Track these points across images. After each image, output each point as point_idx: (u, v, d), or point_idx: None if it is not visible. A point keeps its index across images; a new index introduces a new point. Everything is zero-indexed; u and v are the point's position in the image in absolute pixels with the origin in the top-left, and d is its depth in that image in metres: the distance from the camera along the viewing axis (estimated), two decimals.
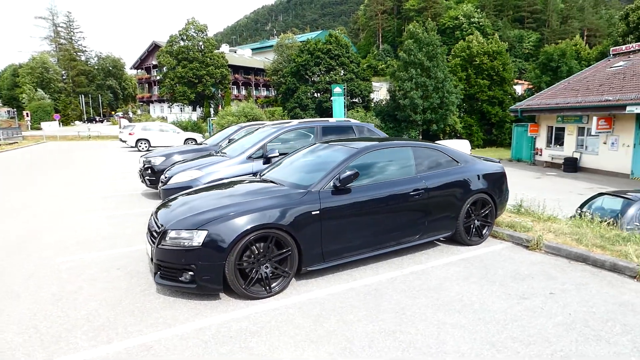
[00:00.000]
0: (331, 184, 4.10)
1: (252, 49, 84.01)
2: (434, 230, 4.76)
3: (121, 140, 27.33)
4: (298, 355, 2.84)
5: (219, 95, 57.29)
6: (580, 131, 20.57)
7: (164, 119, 60.49)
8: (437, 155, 5.01)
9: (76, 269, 4.57)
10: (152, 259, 3.83)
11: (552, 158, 22.40)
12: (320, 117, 42.88)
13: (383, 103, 45.75)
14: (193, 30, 51.43)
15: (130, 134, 24.05)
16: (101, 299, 3.80)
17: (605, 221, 6.02)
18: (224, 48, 72.86)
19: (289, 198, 3.91)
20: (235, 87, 69.43)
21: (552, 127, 22.59)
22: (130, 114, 69.44)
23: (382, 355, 2.82)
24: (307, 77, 44.98)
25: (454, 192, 4.86)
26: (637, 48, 22.41)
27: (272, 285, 3.75)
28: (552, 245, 4.78)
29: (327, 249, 4.01)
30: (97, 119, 73.97)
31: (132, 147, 23.72)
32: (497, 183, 5.34)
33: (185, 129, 34.64)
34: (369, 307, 3.52)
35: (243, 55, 78.48)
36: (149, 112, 70.38)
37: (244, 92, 72.02)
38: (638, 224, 7.04)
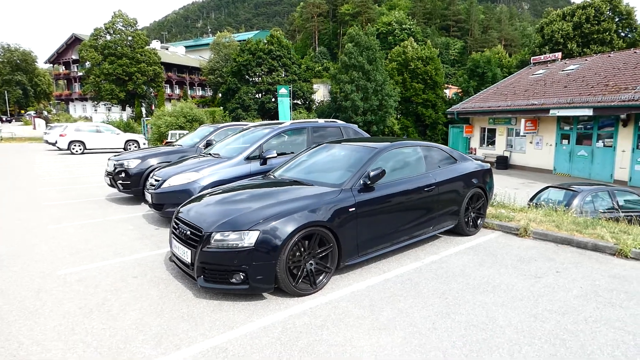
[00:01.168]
0: (361, 181, 4.30)
1: (186, 47, 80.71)
2: (443, 222, 5.17)
3: (48, 142, 24.87)
4: (375, 341, 3.02)
5: (152, 94, 54.34)
6: (510, 132, 22.78)
7: (87, 119, 55.80)
8: (440, 154, 5.44)
9: (88, 281, 4.27)
10: (190, 263, 3.74)
11: (485, 157, 24.50)
12: (263, 119, 42.64)
13: (325, 105, 46.60)
14: (121, 24, 48.14)
15: (61, 135, 21.95)
16: (138, 308, 3.64)
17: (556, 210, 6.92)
18: (155, 44, 69.12)
19: (326, 196, 4.04)
20: (168, 86, 66.22)
21: (484, 128, 24.72)
22: (46, 113, 63.10)
23: (450, 334, 3.09)
24: (248, 77, 44.36)
25: (457, 187, 5.31)
26: (553, 58, 25.36)
27: (317, 282, 3.87)
28: (539, 231, 5.43)
29: (361, 244, 4.20)
30: (4, 119, 66.04)
31: (63, 150, 21.67)
32: (486, 178, 5.91)
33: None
34: (412, 295, 3.79)
35: (176, 53, 75.10)
36: (67, 111, 64.43)
37: (178, 91, 68.95)
38: (582, 211, 8.13)
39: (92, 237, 5.84)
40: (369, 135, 8.14)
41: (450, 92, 51.36)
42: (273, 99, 44.36)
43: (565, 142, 19.40)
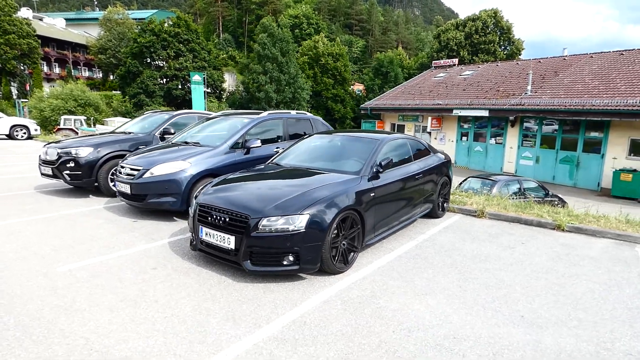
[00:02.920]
0: (374, 169, 4.78)
1: (67, 20, 70.87)
2: (424, 205, 5.93)
3: None
4: (426, 304, 3.55)
5: (26, 72, 47.08)
6: (417, 128, 25.26)
7: None
8: (420, 146, 6.18)
9: (104, 275, 4.04)
10: (234, 249, 3.83)
11: None
12: (168, 106, 40.01)
13: (236, 95, 45.60)
14: None
15: None
16: (185, 296, 3.63)
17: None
18: (26, 13, 59.13)
19: (352, 183, 4.43)
20: (45, 63, 57.56)
21: (394, 124, 26.98)
22: None
23: (478, 293, 3.77)
24: (151, 60, 41.11)
25: (434, 175, 6.11)
26: (451, 64, 28.68)
27: (349, 260, 4.26)
28: (493, 213, 6.54)
29: (377, 225, 4.70)
30: None
31: None
32: (449, 167, 6.85)
33: None
34: (428, 266, 4.41)
35: (54, 26, 65.44)
36: None
37: (58, 70, 60.33)
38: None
39: (61, 233, 5.31)
40: (331, 127, 8.61)
41: (354, 88, 54.33)
42: (180, 86, 41.94)
43: (464, 138, 22.29)
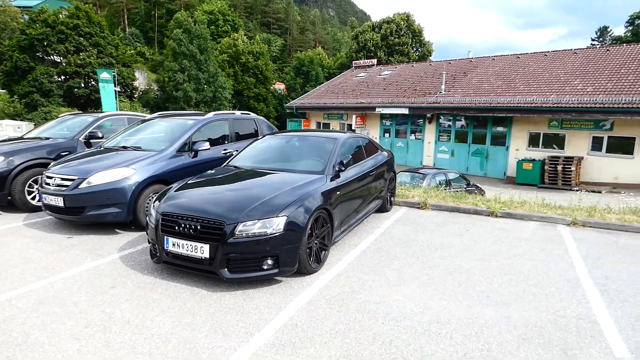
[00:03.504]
0: (336, 167, 4.87)
1: None
2: (376, 201, 6.18)
3: None
4: (402, 293, 3.74)
5: None
6: (342, 126, 26.03)
7: None
8: (371, 145, 6.43)
9: (53, 301, 3.60)
10: (208, 258, 3.66)
11: None
12: (69, 107, 36.11)
13: (150, 93, 42.79)
14: None
15: None
16: (162, 312, 3.39)
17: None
18: None
19: (319, 182, 4.47)
20: None
21: (320, 122, 27.49)
22: None
23: (444, 279, 4.07)
24: (46, 55, 36.73)
25: (384, 171, 6.40)
26: (370, 64, 29.99)
27: (321, 259, 4.30)
28: (434, 204, 7.05)
29: (341, 222, 4.81)
30: None
31: None
32: (393, 164, 7.22)
33: None
34: (392, 258, 4.63)
35: None
36: None
37: None
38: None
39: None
40: (275, 128, 8.53)
41: (275, 87, 54.17)
42: (84, 84, 38.08)
43: (387, 135, 23.52)
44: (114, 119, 8.14)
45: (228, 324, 3.22)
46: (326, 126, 27.08)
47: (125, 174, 5.32)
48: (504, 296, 3.75)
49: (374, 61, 30.59)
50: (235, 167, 5.22)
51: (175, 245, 3.83)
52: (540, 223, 6.22)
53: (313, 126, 27.87)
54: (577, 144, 16.26)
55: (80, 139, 7.38)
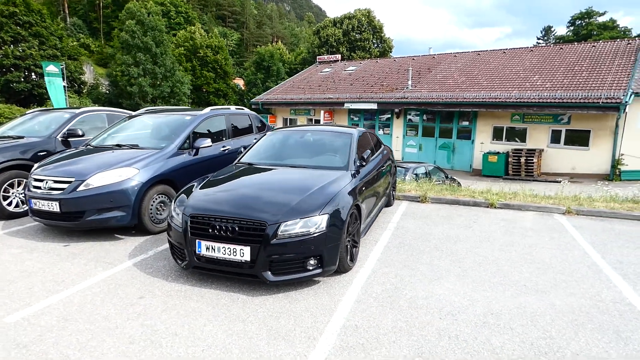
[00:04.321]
0: (356, 163, 4.80)
1: None
2: (386, 195, 6.18)
3: None
4: (446, 287, 3.75)
5: None
6: (309, 122, 25.91)
7: None
8: (377, 139, 6.41)
9: (79, 317, 3.27)
10: (249, 261, 3.48)
11: None
12: (7, 103, 33.16)
13: (99, 88, 40.31)
14: None
15: None
16: (207, 321, 3.17)
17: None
18: None
19: (346, 178, 4.36)
20: None
21: (287, 118, 27.20)
22: None
23: (477, 269, 4.14)
24: None
25: (390, 165, 6.41)
26: (335, 59, 30.04)
27: (354, 257, 4.23)
28: (434, 197, 7.18)
29: (365, 218, 4.75)
30: None
31: None
32: (393, 157, 7.26)
33: None
34: (418, 252, 4.64)
35: None
36: None
37: None
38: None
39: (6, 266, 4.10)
40: (266, 122, 8.30)
41: (236, 82, 52.97)
42: (24, 79, 35.12)
43: None
44: (92, 116, 7.53)
45: (285, 329, 3.07)
46: (293, 122, 26.85)
47: (129, 174, 4.94)
48: (539, 284, 3.87)
49: (338, 56, 30.70)
50: (249, 164, 5.00)
51: (210, 248, 3.59)
52: (537, 213, 6.52)
53: (279, 122, 27.53)
54: (537, 137, 17.26)
55: (58, 137, 6.76)
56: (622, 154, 15.10)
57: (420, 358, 2.73)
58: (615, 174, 15.11)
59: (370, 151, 5.27)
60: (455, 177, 13.61)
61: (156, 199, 5.21)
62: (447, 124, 19.99)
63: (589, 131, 15.94)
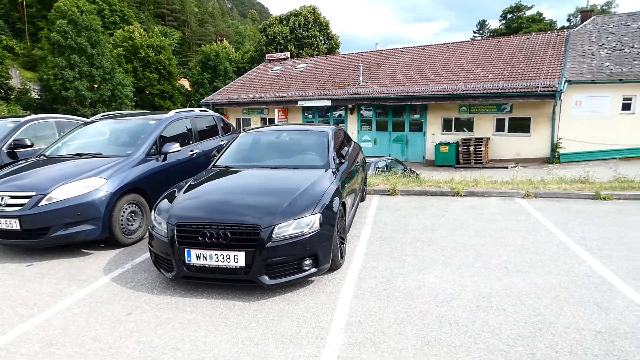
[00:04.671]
0: (336, 161, 4.83)
1: None
2: (361, 190, 6.27)
3: None
4: (435, 275, 3.89)
5: None
6: (263, 121, 25.60)
7: None
8: (348, 135, 6.47)
9: (64, 340, 3.03)
10: (245, 266, 3.40)
11: None
12: None
13: (28, 94, 37.21)
14: None
15: None
16: (208, 332, 3.06)
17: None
18: None
19: (329, 176, 4.37)
20: None
21: (239, 119, 26.68)
22: None
23: (464, 255, 4.33)
24: None
25: (362, 161, 6.51)
26: (285, 57, 29.85)
27: (343, 253, 4.25)
28: (402, 189, 7.39)
29: (349, 213, 4.79)
30: None
31: None
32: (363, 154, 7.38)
33: None
34: (402, 244, 4.76)
35: None
36: None
37: None
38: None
39: None
40: (231, 124, 8.09)
41: (181, 83, 51.06)
42: None
43: None
44: (40, 124, 6.95)
45: (290, 331, 3.03)
46: (246, 122, 26.40)
47: (96, 184, 4.62)
48: (518, 265, 4.12)
49: (288, 54, 30.56)
50: (227, 167, 4.86)
51: (201, 257, 3.46)
52: (499, 198, 6.92)
53: (232, 122, 26.88)
54: (484, 127, 18.28)
55: (3, 149, 6.17)
56: (560, 138, 16.41)
57: (429, 346, 2.81)
58: (555, 157, 16.38)
59: (346, 148, 5.33)
60: (413, 169, 14.08)
61: (126, 209, 4.92)
62: (399, 117, 20.61)
63: (530, 119, 17.14)
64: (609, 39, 19.09)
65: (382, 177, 8.55)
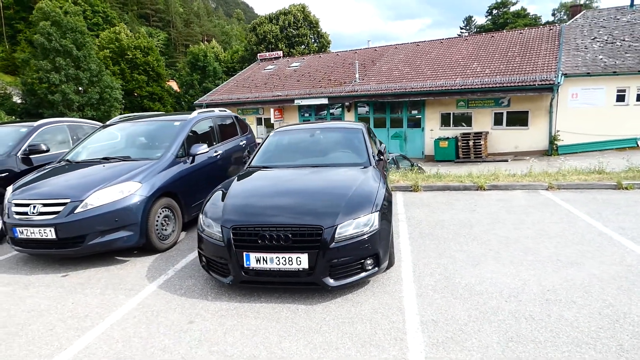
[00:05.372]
0: (375, 157, 4.78)
1: None
2: None
3: None
4: (491, 270, 3.85)
5: None
6: (259, 121, 25.39)
7: None
8: (372, 131, 6.40)
9: (131, 353, 2.90)
10: (308, 268, 3.31)
11: None
12: None
13: (13, 99, 36.24)
14: None
15: None
16: (281, 338, 2.96)
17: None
18: None
19: (375, 173, 4.30)
20: None
21: None
22: None
23: (507, 248, 4.31)
24: None
25: (389, 156, 6.44)
26: (277, 56, 29.63)
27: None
28: (425, 185, 7.36)
29: None
30: None
31: None
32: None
33: None
34: (444, 240, 4.72)
35: None
36: None
37: None
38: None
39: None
40: (247, 124, 7.95)
41: (170, 84, 50.33)
42: None
43: None
44: (52, 128, 6.70)
45: (365, 334, 2.95)
46: None
47: (131, 189, 4.46)
48: (570, 257, 4.11)
49: (280, 53, 30.35)
50: (265, 167, 4.75)
51: (260, 260, 3.35)
52: (523, 191, 6.94)
53: None
54: (482, 121, 18.43)
55: (18, 154, 5.94)
56: (558, 131, 16.64)
57: (513, 342, 2.76)
58: (553, 149, 16.61)
59: (379, 143, 5.27)
60: (420, 165, 14.10)
61: (160, 213, 4.78)
62: (397, 114, 20.65)
63: (527, 112, 17.33)
64: (600, 32, 19.42)
65: (398, 173, 8.51)
